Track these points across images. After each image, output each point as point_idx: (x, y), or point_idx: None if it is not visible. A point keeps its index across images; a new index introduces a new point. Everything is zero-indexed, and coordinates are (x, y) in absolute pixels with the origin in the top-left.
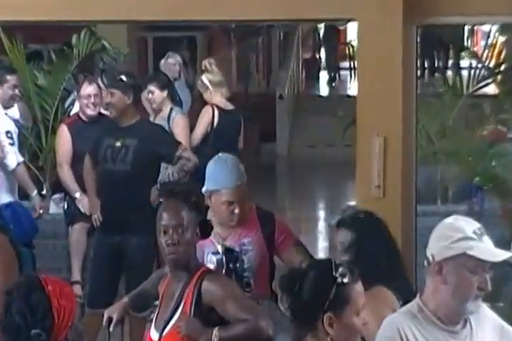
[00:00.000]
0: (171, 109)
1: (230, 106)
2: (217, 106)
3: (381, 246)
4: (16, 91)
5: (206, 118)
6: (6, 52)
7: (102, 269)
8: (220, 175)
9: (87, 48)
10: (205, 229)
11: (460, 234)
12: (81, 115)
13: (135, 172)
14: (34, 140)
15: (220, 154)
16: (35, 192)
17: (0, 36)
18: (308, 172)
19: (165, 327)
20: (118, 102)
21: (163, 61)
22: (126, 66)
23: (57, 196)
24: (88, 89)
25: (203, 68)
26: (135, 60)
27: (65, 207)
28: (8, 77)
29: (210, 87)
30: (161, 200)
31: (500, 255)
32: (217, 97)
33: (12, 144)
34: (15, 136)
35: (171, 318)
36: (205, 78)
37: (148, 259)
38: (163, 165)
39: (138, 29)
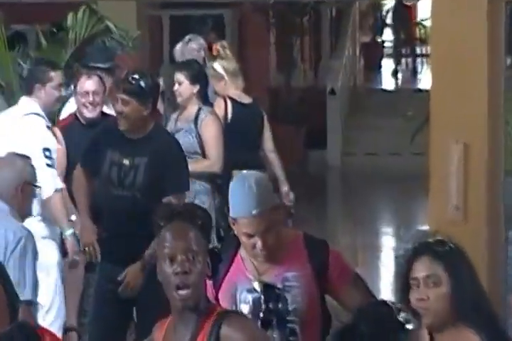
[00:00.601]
0: (200, 109)
1: (247, 99)
2: (232, 99)
3: (468, 282)
4: (62, 91)
5: (219, 113)
6: None
7: (106, 312)
8: (236, 201)
9: (86, 30)
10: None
11: None
12: (78, 116)
13: (146, 198)
14: None
15: (244, 172)
16: (71, 231)
17: None
18: (367, 187)
19: None
20: (132, 113)
21: (180, 46)
22: (136, 54)
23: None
24: (87, 84)
25: (215, 53)
26: (147, 45)
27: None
28: (52, 74)
29: (225, 76)
30: (161, 224)
31: None
32: (232, 89)
33: (50, 166)
34: (54, 156)
35: None
36: (218, 65)
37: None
38: None
39: (150, 6)
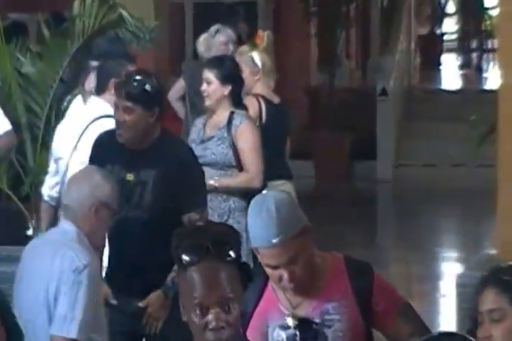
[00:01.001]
0: (232, 113)
1: (276, 99)
2: (265, 99)
3: None
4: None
5: (252, 113)
6: None
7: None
8: (255, 228)
9: (96, 20)
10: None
11: None
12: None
13: (155, 220)
14: (15, 156)
15: (263, 192)
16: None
17: None
18: (424, 204)
19: None
20: (137, 122)
21: (205, 38)
22: (153, 47)
23: None
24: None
25: (258, 42)
26: (166, 37)
27: None
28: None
29: (261, 71)
30: (187, 262)
31: None
32: (264, 87)
33: None
34: None
35: None
36: (257, 57)
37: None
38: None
39: None
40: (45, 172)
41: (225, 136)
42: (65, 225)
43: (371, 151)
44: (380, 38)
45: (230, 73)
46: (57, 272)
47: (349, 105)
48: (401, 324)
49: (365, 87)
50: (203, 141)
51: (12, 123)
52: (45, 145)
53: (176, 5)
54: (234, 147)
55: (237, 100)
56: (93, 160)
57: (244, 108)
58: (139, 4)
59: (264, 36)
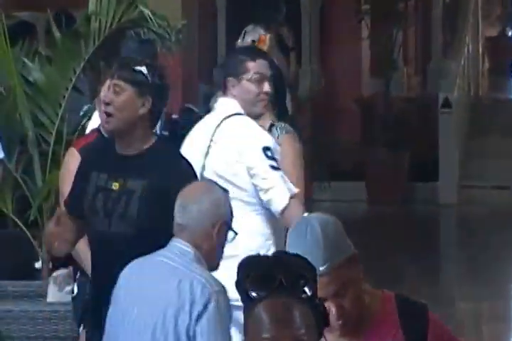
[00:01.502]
0: (272, 125)
1: None
2: None
3: None
4: (265, 86)
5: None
6: None
7: None
8: (298, 252)
9: (114, 19)
10: None
11: None
12: (103, 131)
13: (142, 238)
14: (21, 176)
15: (305, 215)
16: None
17: None
18: (495, 233)
19: None
20: (125, 106)
21: (239, 41)
22: (180, 50)
23: (59, 273)
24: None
25: (261, 45)
26: (195, 39)
27: (75, 291)
28: (251, 65)
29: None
30: (253, 296)
31: None
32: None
33: (276, 168)
34: (277, 156)
35: None
36: None
37: None
38: None
39: None
40: (56, 194)
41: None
42: (181, 245)
43: (433, 171)
44: (442, 39)
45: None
46: (186, 299)
47: (407, 118)
48: None
49: (425, 96)
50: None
51: (18, 137)
52: (56, 162)
53: (207, 2)
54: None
55: (278, 110)
56: (80, 167)
57: (291, 118)
58: (163, 1)
59: (266, 40)
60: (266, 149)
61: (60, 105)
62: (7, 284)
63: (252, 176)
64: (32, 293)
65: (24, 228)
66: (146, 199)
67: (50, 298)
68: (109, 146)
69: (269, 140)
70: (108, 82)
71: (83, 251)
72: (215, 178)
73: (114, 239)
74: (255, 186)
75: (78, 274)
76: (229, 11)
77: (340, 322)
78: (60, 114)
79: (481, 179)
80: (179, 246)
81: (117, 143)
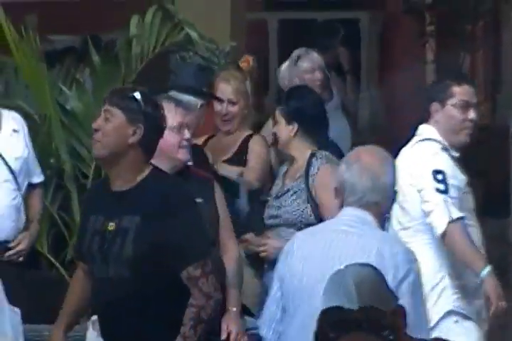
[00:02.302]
0: (312, 156)
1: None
2: None
3: None
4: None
5: None
6: (7, 48)
7: None
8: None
9: (158, 42)
10: None
11: None
12: (158, 165)
13: (142, 279)
14: (57, 212)
15: (342, 267)
16: (487, 269)
17: None
18: None
19: None
20: (113, 132)
21: (287, 66)
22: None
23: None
24: (169, 116)
25: (242, 65)
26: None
27: None
28: (457, 89)
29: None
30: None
31: None
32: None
33: (442, 191)
34: (451, 181)
35: None
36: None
37: None
38: None
39: (250, 6)
40: None
41: (302, 187)
42: (359, 213)
43: (504, 206)
44: None
45: (298, 108)
46: (389, 265)
47: (476, 147)
48: None
49: (495, 125)
50: (277, 197)
51: (54, 170)
52: None
53: (258, 22)
54: (313, 201)
55: (319, 138)
56: (83, 213)
57: (332, 146)
58: (211, 22)
59: (250, 61)
60: (437, 172)
61: None
62: (43, 329)
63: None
64: (70, 339)
65: (61, 268)
66: (141, 237)
67: None
68: (104, 185)
69: (442, 163)
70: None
71: None
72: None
73: (109, 284)
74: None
75: None
76: (280, 32)
77: None
78: None
79: None
80: (357, 214)
81: (110, 177)
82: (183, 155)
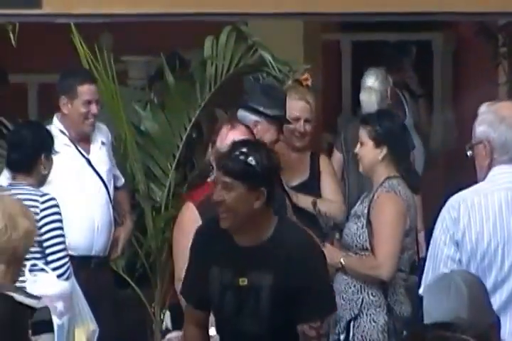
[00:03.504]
0: (386, 179)
1: None
2: None
3: None
4: (94, 108)
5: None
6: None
7: None
8: (439, 307)
9: (232, 63)
10: None
11: None
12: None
13: (275, 335)
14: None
15: (447, 272)
16: None
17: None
18: None
19: None
20: (237, 204)
21: (366, 85)
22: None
23: (174, 335)
24: (230, 136)
25: (303, 82)
26: (319, 84)
27: None
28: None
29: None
30: None
31: None
32: None
33: None
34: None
35: None
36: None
37: None
38: None
39: (324, 28)
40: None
41: (364, 212)
42: None
43: None
44: None
45: (390, 131)
46: None
47: None
48: None
49: None
50: (347, 219)
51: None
52: (168, 219)
53: (331, 43)
54: (370, 226)
55: (402, 163)
56: (196, 258)
57: (414, 179)
58: (284, 44)
59: (308, 78)
60: None
61: (174, 156)
62: None
63: None
64: None
65: (136, 287)
66: (276, 294)
67: None
68: (225, 236)
69: None
70: (216, 175)
71: None
72: None
73: (244, 338)
74: None
75: None
76: (354, 54)
77: None
78: (173, 166)
79: None
80: None
81: (236, 235)
82: None
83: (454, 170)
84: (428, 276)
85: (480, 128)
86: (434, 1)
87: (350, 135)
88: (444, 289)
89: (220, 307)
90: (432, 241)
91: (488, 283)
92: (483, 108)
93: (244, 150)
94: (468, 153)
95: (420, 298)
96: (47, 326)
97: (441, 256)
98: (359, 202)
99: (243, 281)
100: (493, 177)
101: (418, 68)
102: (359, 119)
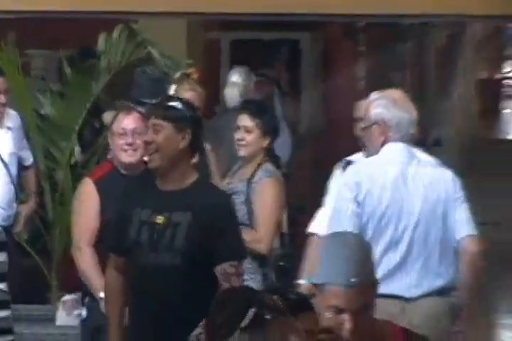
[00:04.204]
0: (259, 164)
1: None
2: None
3: None
4: (2, 98)
5: None
6: None
7: None
8: (334, 261)
9: (123, 58)
10: None
11: None
12: (115, 163)
13: (188, 266)
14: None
15: (342, 231)
16: None
17: None
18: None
19: None
20: (166, 142)
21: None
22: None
23: (68, 298)
24: (125, 121)
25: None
26: (200, 77)
27: (84, 315)
28: None
29: None
30: None
31: None
32: None
33: None
34: None
35: None
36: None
37: None
38: None
39: (205, 27)
40: (66, 227)
41: (243, 190)
42: (405, 147)
43: None
44: (434, 80)
45: (272, 123)
46: None
47: None
48: None
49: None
50: None
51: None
52: (65, 196)
53: (212, 42)
54: (250, 204)
55: (271, 153)
56: (123, 204)
57: (278, 162)
58: (169, 40)
59: (195, 72)
60: None
61: (72, 138)
62: (21, 308)
63: None
64: (43, 317)
65: (36, 256)
66: (192, 231)
67: (59, 322)
68: (147, 183)
69: None
70: (148, 122)
71: (93, 276)
72: None
73: (159, 271)
74: None
75: (87, 299)
76: (232, 51)
77: (350, 336)
78: (71, 147)
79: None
80: (408, 149)
81: (160, 179)
82: (125, 157)
83: (318, 153)
84: (332, 229)
85: (376, 111)
86: (305, 2)
87: (223, 123)
88: (340, 245)
89: (136, 242)
90: (335, 201)
91: (384, 242)
92: (375, 95)
93: (171, 97)
94: (360, 133)
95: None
96: None
97: (346, 213)
98: (233, 176)
99: (160, 219)
100: (388, 152)
101: (288, 65)
102: (239, 109)
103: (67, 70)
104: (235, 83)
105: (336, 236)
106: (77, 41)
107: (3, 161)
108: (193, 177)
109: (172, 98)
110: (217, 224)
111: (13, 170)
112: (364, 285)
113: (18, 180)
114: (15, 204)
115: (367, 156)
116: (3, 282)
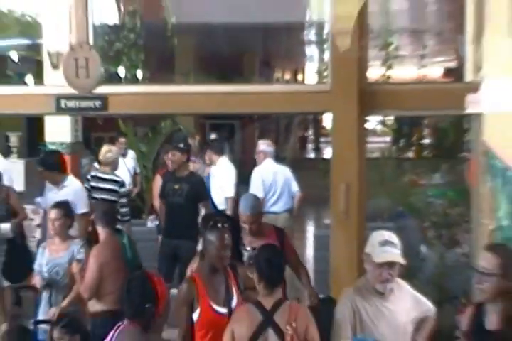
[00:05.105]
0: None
1: None
2: None
3: None
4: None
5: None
6: (122, 132)
7: (164, 260)
8: (244, 202)
9: (170, 128)
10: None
11: (370, 244)
12: (168, 168)
13: (186, 204)
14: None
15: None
16: None
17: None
18: None
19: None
20: (178, 160)
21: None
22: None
23: (151, 217)
24: (170, 153)
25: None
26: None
27: (157, 223)
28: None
29: None
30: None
31: (385, 257)
32: None
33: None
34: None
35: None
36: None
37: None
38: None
39: (200, 117)
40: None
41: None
42: None
43: None
44: (286, 141)
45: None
46: None
47: None
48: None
49: None
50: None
51: None
52: (149, 180)
53: (201, 123)
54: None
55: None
56: (164, 183)
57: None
58: (186, 122)
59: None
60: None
61: (151, 159)
62: None
63: None
64: None
65: (140, 203)
66: (189, 191)
67: (148, 224)
68: (173, 172)
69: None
70: (170, 150)
71: None
72: None
73: (176, 203)
74: None
75: (158, 217)
76: (210, 126)
77: (248, 232)
78: (151, 162)
79: None
80: None
81: (176, 172)
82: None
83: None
84: (254, 191)
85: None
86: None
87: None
88: (248, 196)
89: (167, 193)
90: (252, 183)
91: (273, 199)
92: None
93: (182, 144)
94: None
95: None
96: None
97: (258, 185)
98: None
99: (176, 186)
100: (266, 163)
101: (230, 134)
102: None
103: (149, 134)
104: None
105: (245, 195)
106: (154, 123)
107: None
108: (188, 170)
109: (181, 139)
110: (199, 189)
111: None
112: (256, 213)
113: None
114: None
115: (258, 165)
116: None
